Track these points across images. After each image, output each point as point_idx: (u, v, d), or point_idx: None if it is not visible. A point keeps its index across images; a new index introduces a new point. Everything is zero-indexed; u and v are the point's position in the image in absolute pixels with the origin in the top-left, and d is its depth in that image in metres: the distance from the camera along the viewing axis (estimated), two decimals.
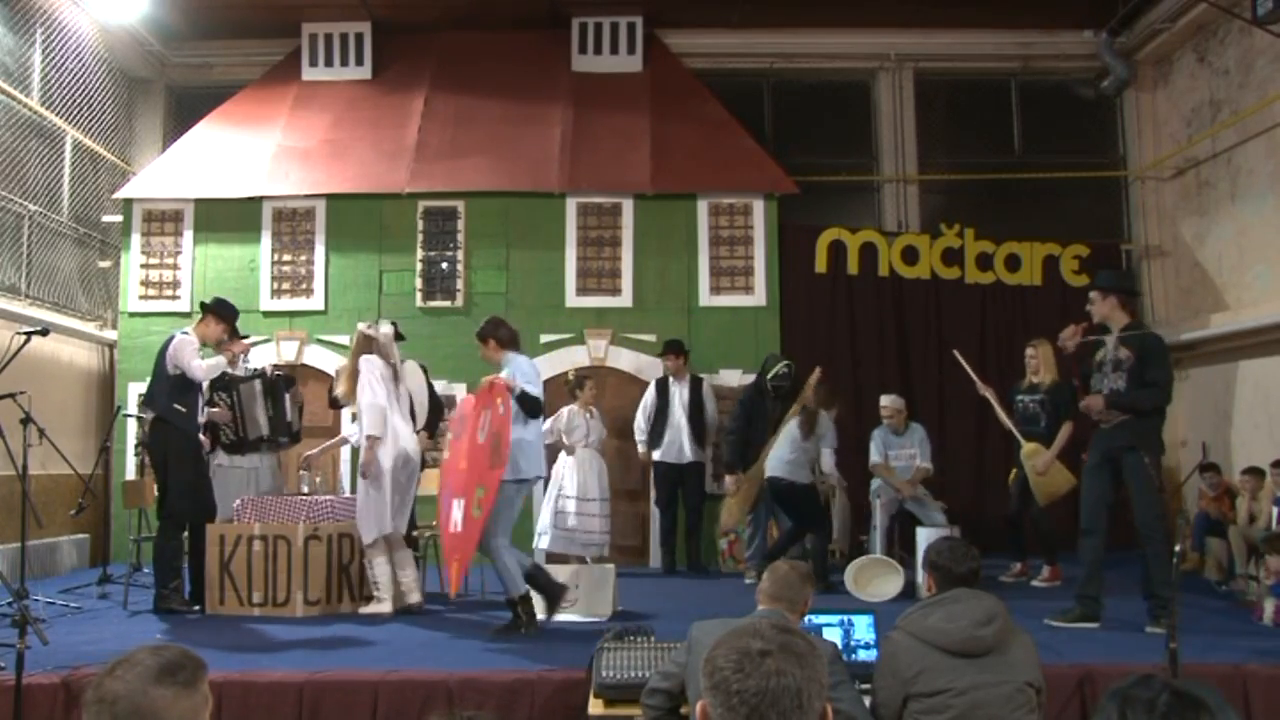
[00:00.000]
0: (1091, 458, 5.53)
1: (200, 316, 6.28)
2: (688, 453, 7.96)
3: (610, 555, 8.20)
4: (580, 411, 7.84)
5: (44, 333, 5.86)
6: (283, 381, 6.75)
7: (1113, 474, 5.39)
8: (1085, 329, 5.52)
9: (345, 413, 7.68)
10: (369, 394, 5.89)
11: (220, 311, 6.25)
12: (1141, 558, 5.35)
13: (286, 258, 9.01)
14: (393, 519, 5.97)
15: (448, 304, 8.90)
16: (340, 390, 6.19)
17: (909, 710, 2.90)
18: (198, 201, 9.01)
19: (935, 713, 2.85)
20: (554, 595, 5.36)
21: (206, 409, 6.35)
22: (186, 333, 6.13)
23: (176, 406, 5.97)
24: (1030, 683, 2.93)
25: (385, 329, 6.14)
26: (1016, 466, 7.26)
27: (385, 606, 5.87)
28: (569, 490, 7.65)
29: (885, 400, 7.55)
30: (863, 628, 3.95)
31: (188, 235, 9.03)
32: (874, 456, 7.43)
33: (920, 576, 3.35)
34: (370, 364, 5.96)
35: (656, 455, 8.10)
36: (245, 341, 6.57)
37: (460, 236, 8.95)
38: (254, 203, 9.00)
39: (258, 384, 6.57)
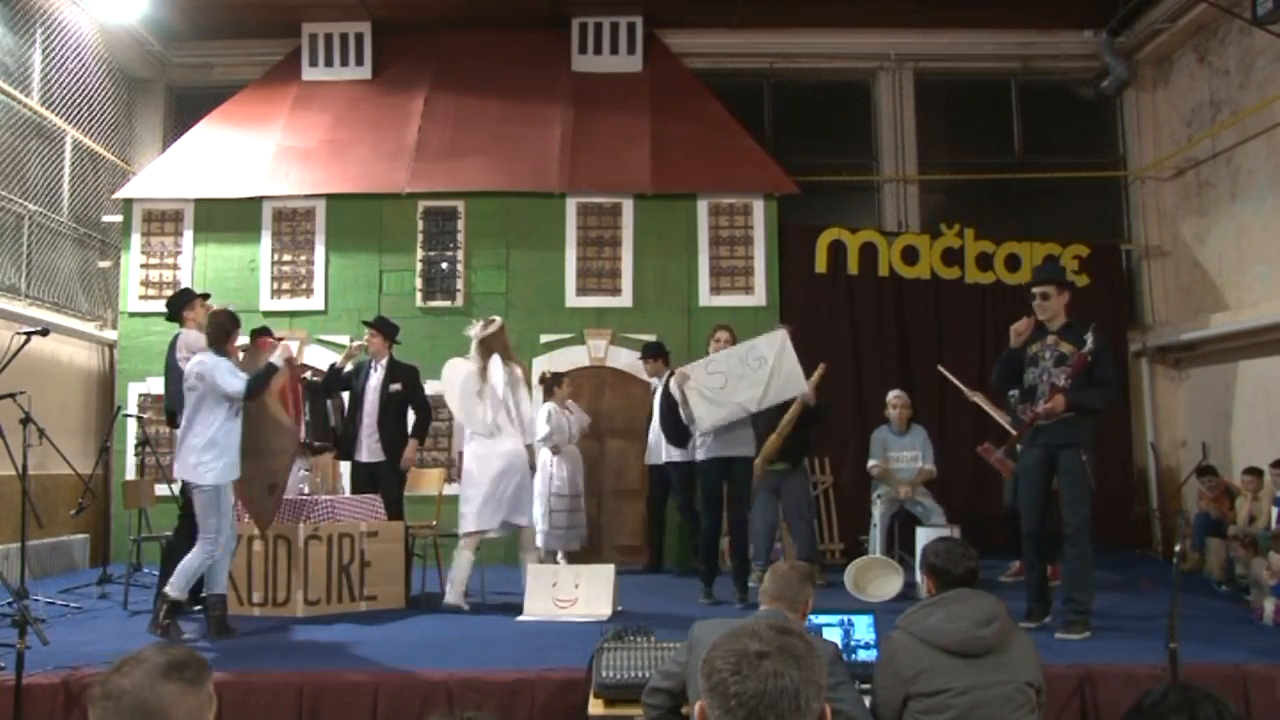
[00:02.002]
0: (1029, 457, 5.43)
1: (180, 320, 6.21)
2: (663, 454, 7.67)
3: (610, 555, 8.21)
4: (559, 410, 7.85)
5: (44, 333, 5.86)
6: (322, 387, 6.73)
7: (1050, 472, 5.38)
8: (1034, 324, 5.44)
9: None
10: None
11: (188, 299, 6.23)
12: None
13: (286, 258, 9.01)
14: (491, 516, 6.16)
15: (448, 304, 8.90)
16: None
17: (909, 710, 2.91)
18: (198, 201, 9.01)
19: (935, 713, 2.86)
20: (221, 626, 5.30)
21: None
22: (182, 333, 6.11)
23: None
24: (1030, 683, 2.93)
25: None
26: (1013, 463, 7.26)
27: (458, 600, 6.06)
28: (562, 489, 7.68)
29: (893, 394, 7.55)
30: (863, 628, 3.95)
31: (188, 235, 9.04)
32: (872, 459, 7.41)
33: (920, 577, 3.36)
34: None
35: (647, 459, 8.05)
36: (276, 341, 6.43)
37: (460, 236, 8.96)
38: (254, 203, 9.00)
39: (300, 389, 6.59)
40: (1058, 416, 5.23)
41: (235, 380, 5.27)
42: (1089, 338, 5.21)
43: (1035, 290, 5.43)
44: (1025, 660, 2.97)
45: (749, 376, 6.20)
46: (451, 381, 6.37)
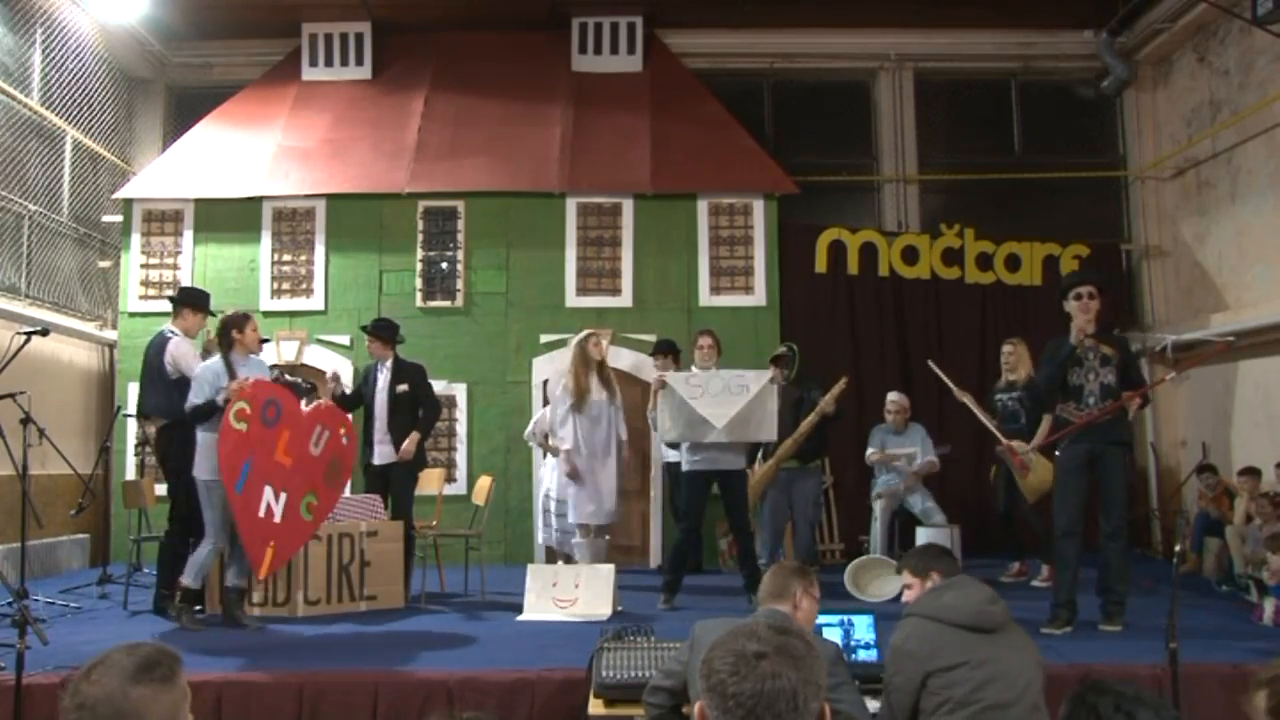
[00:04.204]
0: (1074, 455, 5.42)
1: (175, 312, 6.22)
2: (667, 455, 7.71)
3: (610, 555, 8.19)
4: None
5: (44, 333, 5.86)
6: (305, 388, 6.73)
7: (1091, 472, 5.41)
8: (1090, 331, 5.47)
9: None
10: None
11: (195, 302, 6.25)
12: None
13: (286, 258, 9.01)
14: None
15: (448, 304, 8.90)
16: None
17: (928, 689, 2.96)
18: (198, 201, 9.01)
19: (956, 686, 2.91)
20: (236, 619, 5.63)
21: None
22: (175, 333, 6.09)
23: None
24: (1039, 664, 3.05)
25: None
26: (996, 463, 7.28)
27: None
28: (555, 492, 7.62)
29: (892, 396, 7.54)
30: (863, 628, 3.96)
31: (188, 235, 9.03)
32: (870, 450, 7.42)
33: (906, 579, 3.41)
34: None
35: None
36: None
37: (460, 236, 8.96)
38: (254, 203, 9.00)
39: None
40: (1110, 416, 5.31)
41: (194, 396, 5.61)
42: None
43: (1082, 289, 5.44)
44: (1030, 644, 3.10)
45: (723, 396, 6.21)
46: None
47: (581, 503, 6.66)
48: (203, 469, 5.57)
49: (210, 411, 5.52)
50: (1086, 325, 5.40)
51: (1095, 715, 1.68)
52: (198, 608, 6.03)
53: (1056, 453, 5.67)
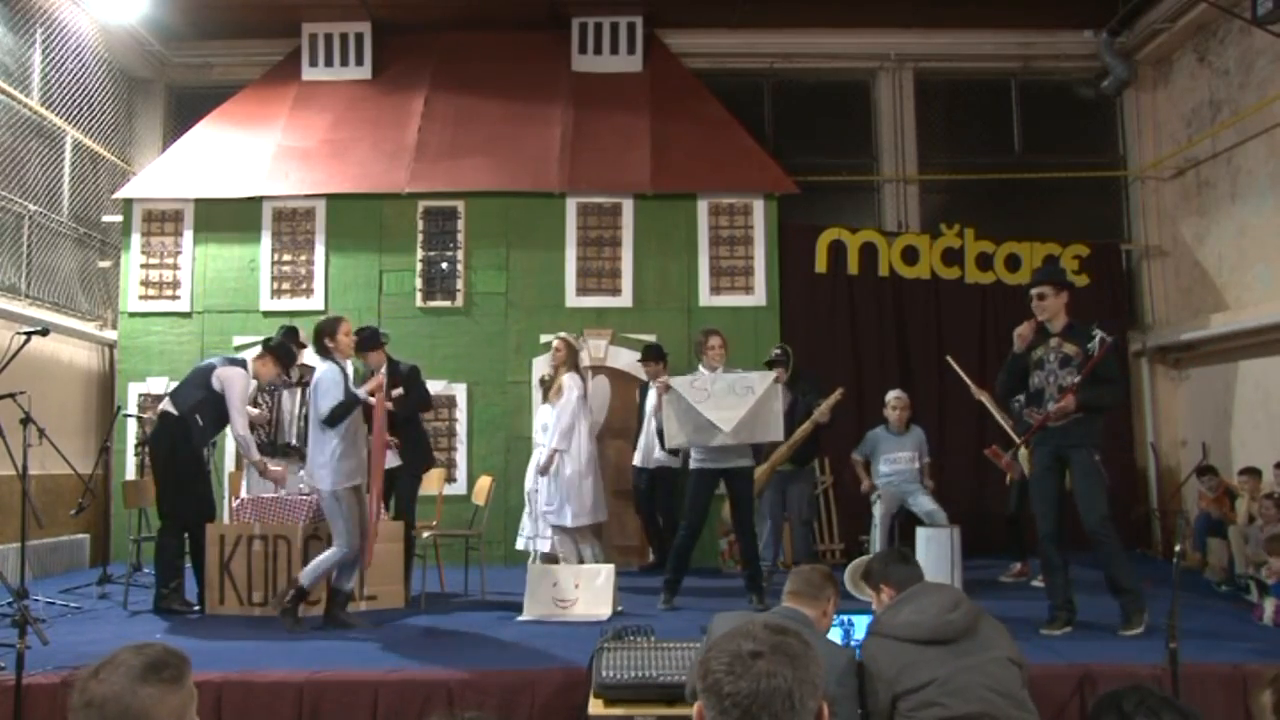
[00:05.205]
0: (1041, 459, 5.41)
1: (261, 351, 6.32)
2: (656, 456, 7.70)
3: (610, 555, 8.20)
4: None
5: (44, 333, 5.87)
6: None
7: (1061, 474, 5.39)
8: (1036, 326, 5.42)
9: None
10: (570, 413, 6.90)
11: (281, 356, 6.30)
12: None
13: (286, 258, 9.01)
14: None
15: (448, 304, 8.90)
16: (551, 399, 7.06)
17: (899, 710, 2.90)
18: (198, 201, 9.01)
19: (927, 706, 2.86)
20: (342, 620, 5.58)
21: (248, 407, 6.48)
22: (247, 367, 6.19)
23: (198, 417, 6.04)
24: (1011, 658, 2.96)
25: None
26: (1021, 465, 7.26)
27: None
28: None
29: (893, 394, 7.51)
30: (862, 628, 3.94)
31: (188, 235, 9.03)
32: (855, 454, 7.37)
33: (871, 594, 3.45)
34: (574, 381, 6.96)
35: (635, 460, 7.98)
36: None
37: (460, 236, 8.96)
38: (254, 203, 9.00)
39: (299, 393, 6.70)
40: (1068, 417, 5.22)
41: (325, 403, 5.51)
42: (1096, 338, 5.22)
43: (1032, 291, 5.44)
44: (999, 639, 3.02)
45: (729, 398, 6.14)
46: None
47: None
48: (330, 479, 5.47)
49: (352, 406, 5.50)
50: (1051, 325, 5.37)
51: (1118, 711, 1.67)
52: (196, 608, 6.05)
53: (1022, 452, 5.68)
